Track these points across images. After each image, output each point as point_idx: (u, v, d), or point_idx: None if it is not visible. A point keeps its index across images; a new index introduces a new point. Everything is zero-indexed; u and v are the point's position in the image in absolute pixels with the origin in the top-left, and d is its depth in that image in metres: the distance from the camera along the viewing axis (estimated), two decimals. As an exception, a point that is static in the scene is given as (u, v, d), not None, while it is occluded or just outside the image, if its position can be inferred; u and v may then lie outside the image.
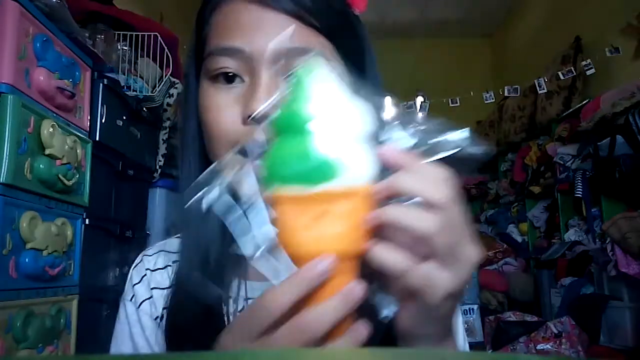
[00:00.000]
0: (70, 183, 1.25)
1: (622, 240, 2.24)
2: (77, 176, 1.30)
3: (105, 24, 1.73)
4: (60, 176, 1.21)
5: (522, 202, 3.77)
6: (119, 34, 1.76)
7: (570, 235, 2.96)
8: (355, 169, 0.34)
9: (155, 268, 0.57)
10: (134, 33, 1.79)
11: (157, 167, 2.01)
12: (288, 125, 0.34)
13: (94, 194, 1.44)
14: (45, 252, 1.16)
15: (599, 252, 2.55)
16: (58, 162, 1.21)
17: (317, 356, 0.29)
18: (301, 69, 0.35)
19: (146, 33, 1.81)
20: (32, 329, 1.11)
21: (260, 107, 0.44)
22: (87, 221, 1.41)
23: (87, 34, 1.57)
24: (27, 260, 1.10)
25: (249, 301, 0.51)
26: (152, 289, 0.56)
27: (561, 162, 2.99)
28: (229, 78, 0.48)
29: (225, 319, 0.50)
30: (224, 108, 0.48)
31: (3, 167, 1.05)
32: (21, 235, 1.10)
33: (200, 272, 0.49)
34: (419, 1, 4.53)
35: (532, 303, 3.29)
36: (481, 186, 4.51)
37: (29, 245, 1.11)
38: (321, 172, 0.33)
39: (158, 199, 2.05)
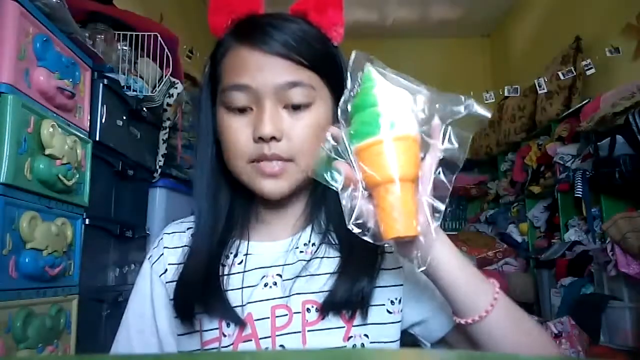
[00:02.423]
0: (70, 183, 1.25)
1: (622, 240, 2.24)
2: (77, 176, 1.30)
3: (105, 24, 1.73)
4: (60, 176, 1.21)
5: (522, 202, 3.77)
6: (119, 34, 1.76)
7: (570, 235, 2.96)
8: (405, 124, 0.50)
9: (171, 232, 0.74)
10: (134, 33, 1.79)
11: (157, 167, 2.01)
12: (360, 105, 0.52)
13: (94, 194, 1.44)
14: (45, 252, 1.16)
15: (599, 252, 2.55)
16: (58, 162, 1.21)
17: (318, 356, 0.29)
18: (365, 71, 0.52)
19: (146, 33, 1.80)
20: (32, 329, 1.11)
21: (267, 129, 0.60)
22: (87, 221, 1.40)
23: (87, 34, 1.57)
24: (27, 260, 1.10)
25: (248, 256, 0.68)
26: (164, 247, 0.72)
27: (561, 162, 2.99)
28: (241, 107, 0.63)
29: (222, 269, 0.66)
30: (238, 131, 0.63)
31: (3, 167, 1.05)
32: (21, 235, 1.10)
33: (209, 235, 0.67)
34: (419, 1, 4.52)
35: (532, 303, 3.29)
36: (481, 186, 4.51)
37: (29, 245, 1.11)
38: (383, 126, 0.50)
39: (158, 199, 2.05)
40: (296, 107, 0.63)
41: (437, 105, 0.52)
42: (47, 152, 1.18)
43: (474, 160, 4.59)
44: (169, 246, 0.72)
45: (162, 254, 0.71)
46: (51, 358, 1.02)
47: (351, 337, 0.62)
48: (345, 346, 0.62)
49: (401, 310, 0.66)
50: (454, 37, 5.04)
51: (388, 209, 0.49)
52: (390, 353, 0.50)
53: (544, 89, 3.18)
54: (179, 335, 0.67)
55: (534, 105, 3.57)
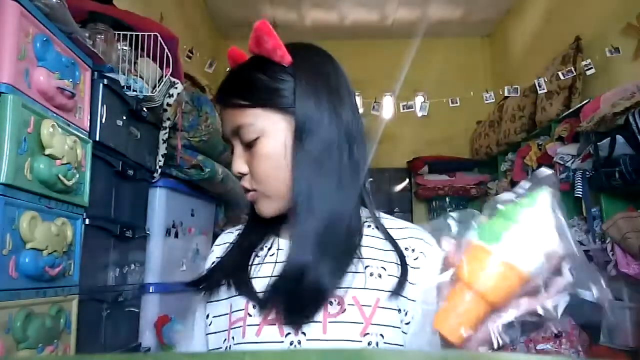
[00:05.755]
0: (70, 183, 1.25)
1: (622, 240, 2.24)
2: (77, 176, 1.30)
3: (105, 24, 1.73)
4: (60, 176, 1.21)
5: (522, 202, 3.75)
6: (119, 34, 1.76)
7: (571, 235, 2.95)
8: (523, 258, 0.49)
9: (224, 235, 0.88)
10: (134, 33, 1.79)
11: (157, 167, 2.01)
12: (505, 213, 0.52)
13: (94, 194, 1.44)
14: (45, 252, 1.16)
15: (599, 252, 2.55)
16: (58, 162, 1.20)
17: (319, 356, 0.29)
18: (539, 192, 0.53)
19: (146, 33, 1.80)
20: (32, 329, 1.11)
21: (235, 168, 0.75)
22: (87, 221, 1.40)
23: (87, 34, 1.57)
24: (27, 260, 1.10)
25: (280, 251, 0.77)
26: (215, 245, 0.86)
27: (561, 162, 2.99)
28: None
29: (256, 258, 0.77)
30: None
31: (3, 167, 1.05)
32: (21, 235, 1.10)
33: (251, 232, 0.80)
34: (419, 1, 4.52)
35: (532, 303, 3.28)
36: (481, 186, 4.51)
37: (29, 245, 1.11)
38: (504, 243, 0.50)
39: (158, 199, 2.05)
40: (249, 145, 0.73)
41: (568, 273, 0.51)
42: (47, 152, 1.17)
43: (474, 160, 4.59)
44: (218, 243, 0.85)
45: (212, 250, 0.85)
46: (51, 358, 1.02)
47: (368, 333, 0.67)
48: (361, 341, 0.66)
49: (407, 323, 0.70)
50: (454, 37, 5.04)
51: (453, 305, 0.51)
52: (392, 353, 0.50)
53: (544, 89, 3.18)
54: (214, 317, 0.77)
55: (534, 105, 3.56)
